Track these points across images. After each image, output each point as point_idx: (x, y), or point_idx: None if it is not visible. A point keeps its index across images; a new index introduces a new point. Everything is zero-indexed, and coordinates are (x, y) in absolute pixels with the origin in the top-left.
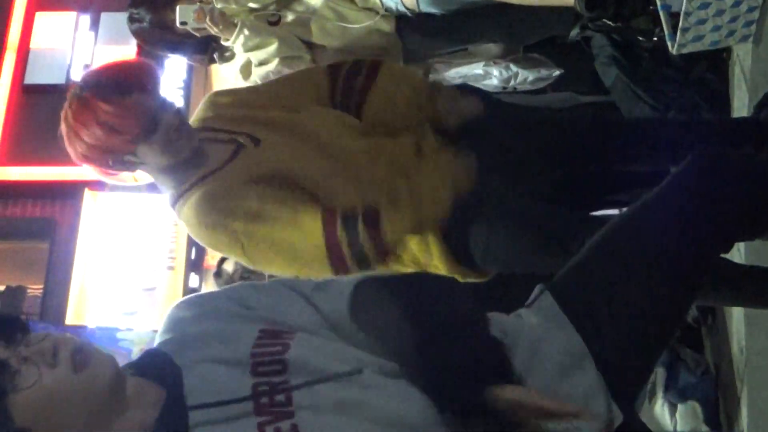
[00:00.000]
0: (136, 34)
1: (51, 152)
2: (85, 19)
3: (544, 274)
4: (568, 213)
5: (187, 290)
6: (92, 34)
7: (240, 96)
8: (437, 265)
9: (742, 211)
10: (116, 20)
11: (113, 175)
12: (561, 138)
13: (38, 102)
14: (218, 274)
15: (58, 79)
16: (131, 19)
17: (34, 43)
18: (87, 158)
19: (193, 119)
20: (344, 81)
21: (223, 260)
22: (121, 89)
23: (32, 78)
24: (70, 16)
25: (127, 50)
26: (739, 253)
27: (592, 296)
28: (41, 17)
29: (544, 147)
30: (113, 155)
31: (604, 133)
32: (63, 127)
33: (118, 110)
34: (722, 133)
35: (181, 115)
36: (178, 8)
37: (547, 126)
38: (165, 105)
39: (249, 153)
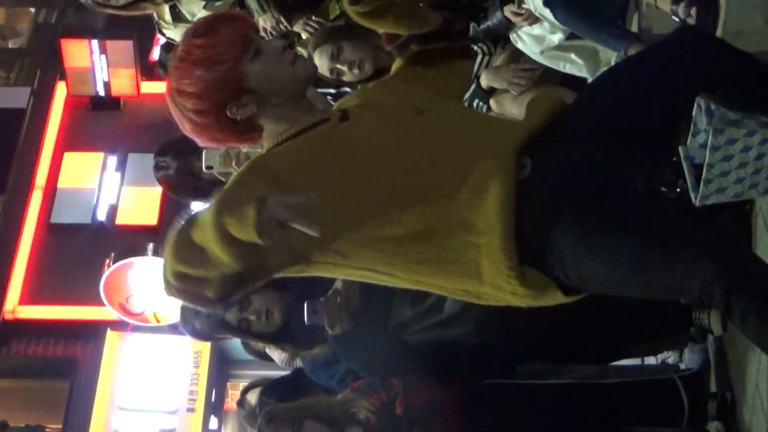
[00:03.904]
0: (161, 181)
1: (74, 291)
2: (113, 159)
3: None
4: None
5: None
6: (119, 174)
7: None
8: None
9: None
10: (143, 161)
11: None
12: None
13: (63, 241)
14: (241, 404)
15: (83, 218)
16: (157, 167)
17: (62, 182)
18: (201, 117)
19: None
20: None
21: (246, 390)
22: (207, 27)
23: (58, 217)
24: (97, 156)
25: (153, 191)
26: None
27: None
28: (69, 157)
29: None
30: (225, 94)
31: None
32: (169, 102)
33: (209, 41)
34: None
35: (290, 45)
36: (204, 153)
37: None
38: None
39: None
